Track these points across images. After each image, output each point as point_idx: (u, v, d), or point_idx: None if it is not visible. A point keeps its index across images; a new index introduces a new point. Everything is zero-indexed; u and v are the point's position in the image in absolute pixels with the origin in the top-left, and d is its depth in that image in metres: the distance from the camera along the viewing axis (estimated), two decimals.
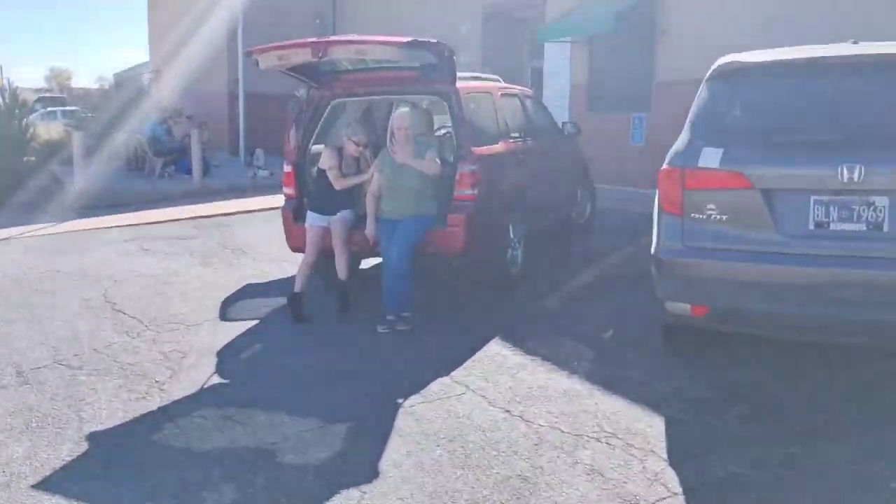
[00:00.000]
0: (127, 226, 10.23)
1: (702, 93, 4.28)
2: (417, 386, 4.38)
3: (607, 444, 3.56)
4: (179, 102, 20.27)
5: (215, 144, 18.46)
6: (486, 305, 5.97)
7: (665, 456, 3.43)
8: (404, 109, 5.59)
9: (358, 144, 5.73)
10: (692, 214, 4.02)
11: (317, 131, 6.29)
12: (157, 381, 4.58)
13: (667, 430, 3.68)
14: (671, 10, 11.23)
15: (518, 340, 5.11)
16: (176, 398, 4.36)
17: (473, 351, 4.94)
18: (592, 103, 12.77)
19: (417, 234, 5.50)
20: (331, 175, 5.71)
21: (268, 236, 9.17)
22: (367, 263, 7.17)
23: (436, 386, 4.37)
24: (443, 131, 7.15)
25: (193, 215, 10.93)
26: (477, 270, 6.17)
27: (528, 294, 6.27)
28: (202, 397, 4.39)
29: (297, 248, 6.25)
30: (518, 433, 3.72)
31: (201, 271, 7.48)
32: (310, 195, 6.10)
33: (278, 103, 17.81)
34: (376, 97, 6.41)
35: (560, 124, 8.18)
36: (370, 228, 5.62)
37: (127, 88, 20.10)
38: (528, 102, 7.58)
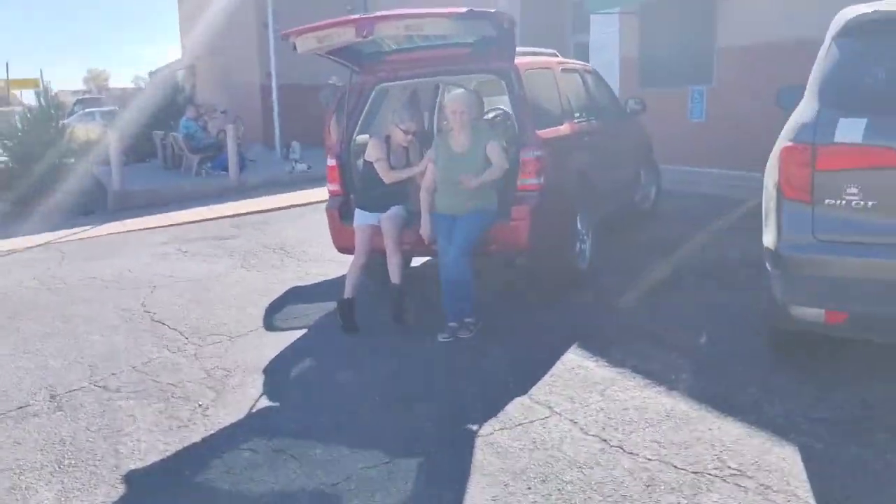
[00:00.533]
0: (164, 227, 9.85)
1: (829, 52, 3.60)
2: (493, 408, 3.82)
3: (736, 485, 2.95)
4: (213, 97, 19.98)
5: (250, 138, 18.10)
6: (555, 307, 5.38)
7: (813, 502, 2.81)
8: (459, 91, 4.99)
9: (406, 132, 5.15)
10: (826, 201, 3.37)
11: (361, 120, 5.73)
12: (200, 406, 4.10)
13: (805, 464, 3.05)
14: None
15: (600, 349, 4.52)
16: (221, 425, 3.87)
17: (550, 363, 4.36)
18: (645, 78, 11.98)
19: (479, 230, 4.92)
20: (378, 168, 5.15)
21: (310, 234, 8.70)
22: (416, 261, 6.64)
23: (514, 408, 3.81)
24: (492, 114, 6.56)
25: (232, 213, 10.51)
26: (544, 268, 5.56)
27: (600, 292, 5.66)
28: (250, 424, 3.89)
29: (344, 248, 5.73)
30: (622, 470, 3.14)
31: (243, 274, 7.01)
32: (357, 191, 5.56)
33: (312, 94, 17.36)
34: (425, 79, 5.81)
35: (623, 101, 7.49)
36: (425, 226, 5.06)
37: (161, 86, 19.78)
38: (589, 78, 6.92)
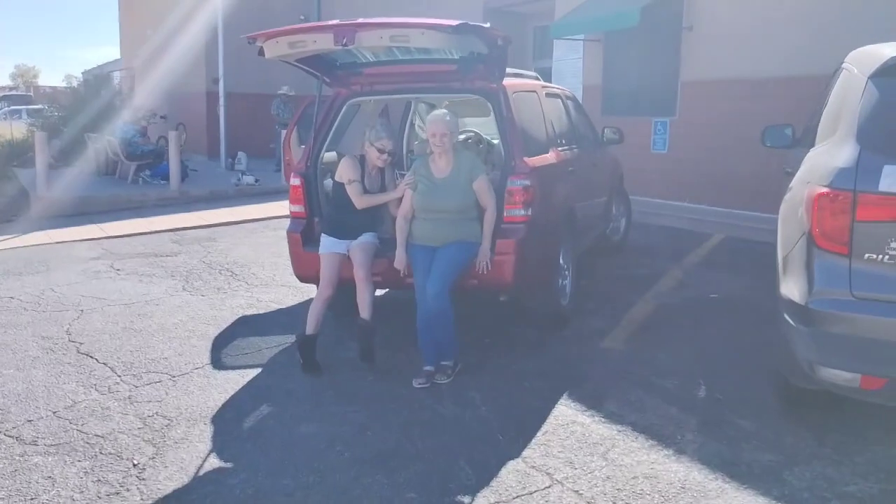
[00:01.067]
0: (95, 239, 9.05)
1: (866, 91, 3.27)
2: (484, 473, 3.32)
3: None
4: (154, 102, 19.02)
5: (192, 147, 17.25)
6: (539, 348, 4.93)
7: None
8: (440, 112, 4.51)
9: (382, 152, 4.64)
10: (867, 255, 3.02)
11: (330, 136, 5.19)
12: (135, 466, 3.47)
13: None
14: (698, 2, 10.29)
15: (593, 400, 4.08)
16: (162, 492, 3.25)
17: (541, 416, 3.90)
18: (607, 106, 11.78)
19: (460, 264, 4.45)
20: (351, 191, 4.63)
21: (260, 254, 8.07)
22: (379, 291, 6.12)
23: (509, 475, 3.32)
24: (462, 136, 6.12)
25: (172, 227, 9.76)
26: (527, 306, 5.12)
27: (584, 332, 5.24)
28: (198, 490, 3.28)
29: (306, 277, 5.17)
30: None
31: (186, 299, 6.35)
32: (323, 215, 5.01)
33: (262, 103, 16.69)
34: (401, 95, 5.32)
35: (600, 130, 7.16)
36: (401, 258, 4.56)
37: (96, 87, 18.70)
38: (570, 104, 6.55)
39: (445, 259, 4.42)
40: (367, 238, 4.74)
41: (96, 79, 21.26)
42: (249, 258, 7.94)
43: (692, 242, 8.41)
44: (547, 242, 4.93)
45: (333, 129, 5.19)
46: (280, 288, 6.66)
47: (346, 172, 4.64)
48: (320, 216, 5.13)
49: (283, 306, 6.13)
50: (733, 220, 9.25)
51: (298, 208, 5.12)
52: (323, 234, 4.76)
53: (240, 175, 13.31)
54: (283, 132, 13.77)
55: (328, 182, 5.31)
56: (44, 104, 24.57)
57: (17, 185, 12.49)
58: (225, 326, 5.57)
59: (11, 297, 6.35)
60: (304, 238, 5.06)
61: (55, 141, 13.39)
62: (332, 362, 4.71)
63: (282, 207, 11.09)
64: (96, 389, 4.36)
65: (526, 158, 4.72)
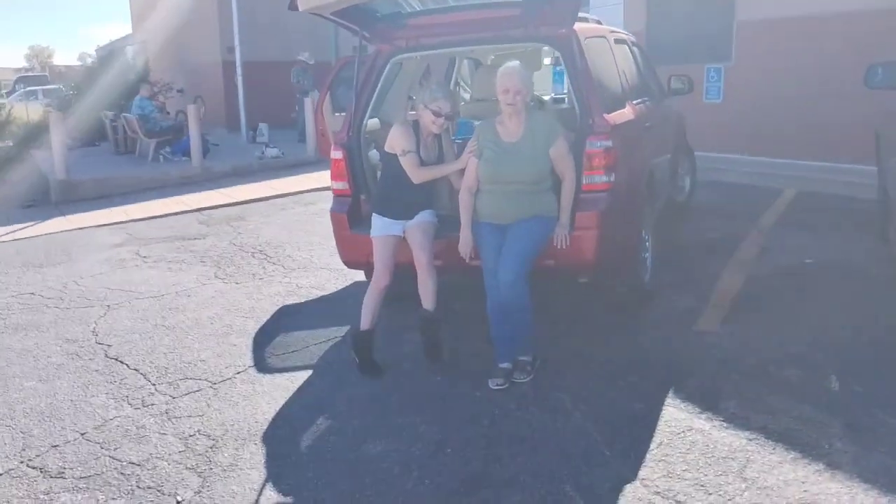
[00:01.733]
0: (119, 223, 8.51)
1: None
2: (597, 502, 2.74)
3: None
4: (168, 75, 18.40)
5: (212, 120, 16.65)
6: (625, 336, 4.31)
7: None
8: (512, 65, 3.82)
9: (439, 115, 3.96)
10: None
11: (373, 100, 4.54)
12: (179, 503, 2.93)
13: None
14: None
15: (706, 399, 3.46)
16: None
17: (649, 422, 3.29)
18: (653, 55, 10.92)
19: (537, 244, 3.81)
20: (406, 163, 3.98)
21: (294, 234, 7.49)
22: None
23: (629, 503, 2.73)
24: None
25: (198, 207, 9.20)
26: (611, 286, 4.48)
27: (673, 313, 4.60)
28: None
29: (353, 262, 4.59)
30: None
31: (219, 288, 5.79)
32: (373, 192, 4.37)
33: (280, 71, 15.98)
34: (452, 49, 4.63)
35: (666, 79, 6.43)
36: (466, 238, 3.93)
37: (110, 63, 18.10)
38: (637, 51, 5.83)
39: (520, 239, 3.78)
40: (426, 217, 4.12)
41: (110, 55, 20.69)
42: (282, 238, 7.36)
43: (762, 199, 7.67)
44: (630, 212, 4.28)
45: (377, 91, 4.53)
46: (320, 271, 6.07)
47: (399, 142, 3.99)
48: (367, 193, 4.51)
49: (326, 292, 5.56)
50: (801, 173, 8.49)
51: (342, 185, 4.50)
52: (374, 214, 4.14)
53: (263, 148, 12.68)
54: (307, 100, 13.16)
55: (373, 153, 4.69)
56: (59, 84, 24.10)
57: (34, 169, 11.99)
58: (265, 319, 5.01)
59: (32, 294, 5.84)
60: (350, 219, 4.45)
61: (71, 120, 12.83)
62: (392, 360, 4.13)
63: (310, 180, 10.52)
64: (129, 403, 3.83)
65: (605, 115, 4.04)
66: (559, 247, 3.84)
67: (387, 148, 4.10)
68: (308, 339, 4.60)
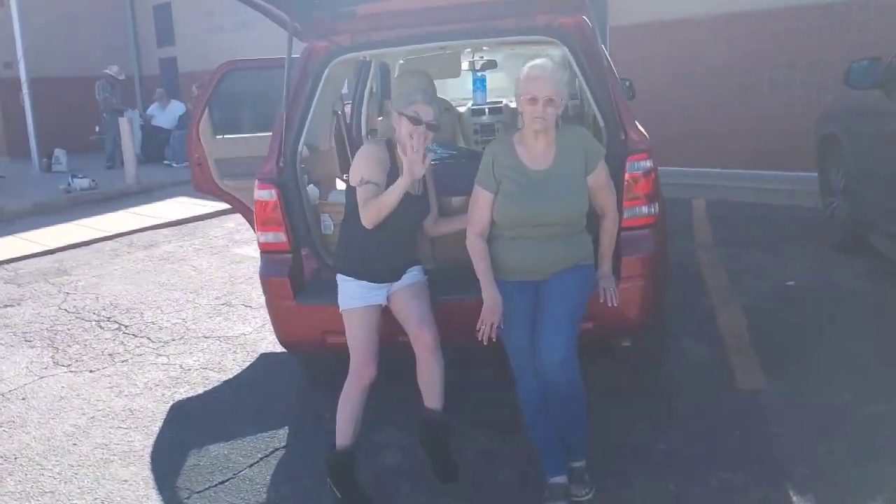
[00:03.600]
0: None
1: None
2: None
3: None
4: None
5: None
6: (666, 410, 3.37)
7: None
8: (542, 63, 2.74)
9: (418, 122, 2.76)
10: None
11: (310, 116, 3.28)
12: None
13: None
14: None
15: (832, 491, 2.63)
16: None
17: None
18: None
19: (584, 303, 2.79)
20: (359, 194, 2.78)
21: (144, 288, 5.89)
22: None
23: None
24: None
25: (1, 259, 7.15)
26: (652, 349, 3.54)
27: (695, 367, 3.76)
28: None
29: (301, 344, 3.32)
30: None
31: (67, 381, 4.17)
32: (341, 244, 3.07)
33: (77, 88, 13.66)
34: (417, 45, 3.47)
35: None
36: (494, 302, 2.77)
37: None
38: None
39: (564, 300, 2.74)
40: (417, 276, 2.96)
41: None
42: (132, 296, 5.73)
43: (674, 210, 7.15)
44: (667, 249, 3.37)
45: (314, 104, 3.28)
46: (205, 342, 4.63)
47: (361, 167, 2.79)
48: (311, 246, 3.24)
49: (227, 374, 4.16)
50: (697, 180, 8.15)
51: (278, 237, 3.19)
52: (342, 277, 2.89)
53: (70, 179, 10.50)
54: (122, 119, 11.16)
55: (311, 189, 3.42)
56: None
57: None
58: (155, 430, 3.54)
59: None
60: (294, 284, 3.15)
61: None
62: (379, 482, 2.91)
63: (138, 216, 8.77)
64: None
65: (639, 127, 3.12)
66: (608, 305, 2.85)
67: (353, 180, 2.88)
68: (234, 458, 3.24)
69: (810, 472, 2.79)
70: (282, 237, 3.18)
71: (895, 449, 2.87)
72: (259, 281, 3.26)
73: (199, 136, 4.45)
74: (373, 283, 2.86)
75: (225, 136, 4.56)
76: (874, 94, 4.49)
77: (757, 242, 5.84)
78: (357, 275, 2.85)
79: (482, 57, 5.75)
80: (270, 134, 4.38)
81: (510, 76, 5.93)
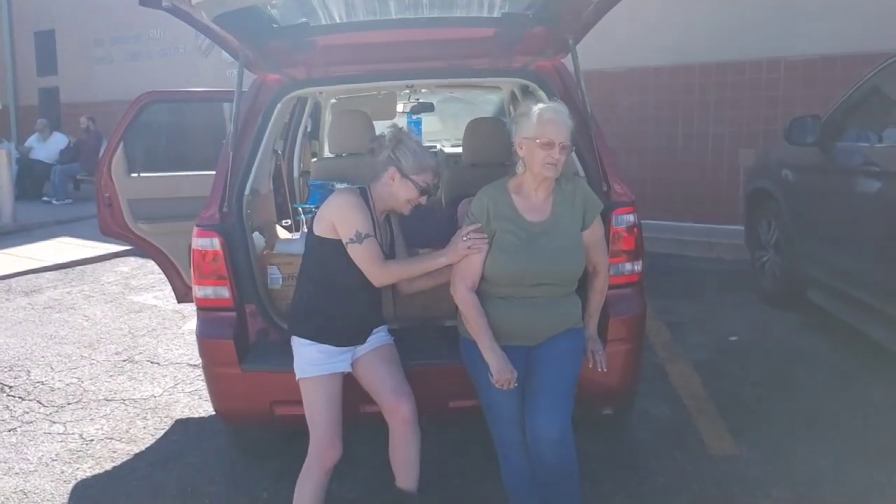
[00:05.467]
0: None
1: None
2: None
3: None
4: None
5: None
6: (644, 479, 3.14)
7: None
8: (554, 107, 2.48)
9: (426, 192, 2.60)
10: None
11: (258, 156, 2.90)
12: None
13: None
14: None
15: None
16: None
17: None
18: None
19: (577, 374, 2.54)
20: (363, 254, 2.44)
21: (29, 342, 5.22)
22: None
23: None
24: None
25: None
26: (624, 416, 3.30)
27: (662, 430, 3.57)
28: None
29: (245, 416, 2.88)
30: None
31: None
32: (299, 302, 2.65)
33: None
34: (379, 83, 3.17)
35: None
36: (500, 364, 2.41)
37: None
38: None
39: (560, 368, 2.48)
40: (385, 338, 2.63)
41: None
42: (14, 351, 5.02)
43: None
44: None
45: (263, 143, 2.90)
46: (106, 407, 4.06)
47: (351, 220, 2.44)
48: (257, 302, 2.83)
49: (138, 445, 3.61)
50: None
51: (219, 292, 2.75)
52: (300, 340, 2.51)
53: None
54: (0, 149, 10.16)
55: (258, 237, 3.02)
56: None
57: None
58: None
59: None
60: (239, 347, 2.72)
61: None
62: None
63: (13, 258, 7.92)
64: None
65: (620, 182, 2.93)
66: (597, 370, 2.61)
67: (319, 231, 2.52)
68: None
69: None
70: (224, 292, 2.75)
71: None
72: (197, 342, 2.80)
73: (110, 173, 3.93)
74: (335, 348, 2.49)
75: (141, 175, 4.06)
76: (810, 150, 4.56)
77: (689, 294, 5.83)
78: (317, 338, 2.48)
79: (418, 99, 5.52)
80: (191, 173, 3.98)
81: (444, 120, 5.75)
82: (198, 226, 2.77)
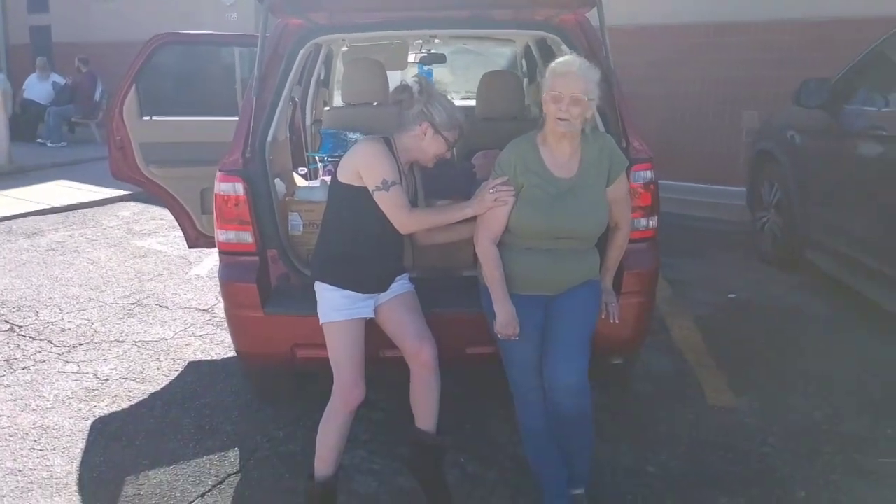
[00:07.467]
0: None
1: None
2: None
3: None
4: None
5: None
6: (647, 427, 3.27)
7: None
8: (571, 60, 2.48)
9: (451, 147, 2.65)
10: None
11: (281, 102, 2.92)
12: None
13: None
14: None
15: None
16: None
17: None
18: None
19: (595, 323, 2.62)
20: (390, 201, 2.48)
21: (34, 282, 5.26)
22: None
23: None
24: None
25: None
26: (634, 366, 3.41)
27: (663, 382, 3.69)
28: None
29: (266, 359, 2.94)
30: None
31: None
32: (322, 249, 2.70)
33: None
34: (399, 32, 3.18)
35: None
36: (508, 315, 2.50)
37: None
38: None
39: (579, 318, 2.55)
40: (407, 286, 2.69)
41: None
42: (21, 292, 5.06)
43: None
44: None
45: (286, 89, 2.92)
46: (118, 347, 4.13)
47: (377, 168, 2.48)
48: (279, 247, 2.88)
49: (153, 386, 3.69)
50: None
51: (242, 237, 2.80)
52: (325, 286, 2.57)
53: None
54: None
55: (279, 183, 3.06)
56: None
57: None
58: (79, 453, 3.06)
59: None
60: (262, 291, 2.78)
61: None
62: None
63: (12, 199, 7.90)
64: None
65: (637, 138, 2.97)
66: (610, 321, 2.69)
67: (345, 178, 2.56)
68: (181, 486, 2.83)
69: (811, 496, 2.74)
70: (247, 237, 2.80)
71: (888, 471, 2.87)
72: (220, 285, 2.85)
73: (122, 115, 3.93)
74: (358, 294, 2.55)
75: (154, 118, 4.05)
76: (817, 113, 4.60)
77: (691, 252, 5.91)
78: (341, 284, 2.54)
79: (429, 50, 5.48)
80: (206, 118, 3.97)
81: (455, 72, 5.73)
82: (221, 170, 2.80)
